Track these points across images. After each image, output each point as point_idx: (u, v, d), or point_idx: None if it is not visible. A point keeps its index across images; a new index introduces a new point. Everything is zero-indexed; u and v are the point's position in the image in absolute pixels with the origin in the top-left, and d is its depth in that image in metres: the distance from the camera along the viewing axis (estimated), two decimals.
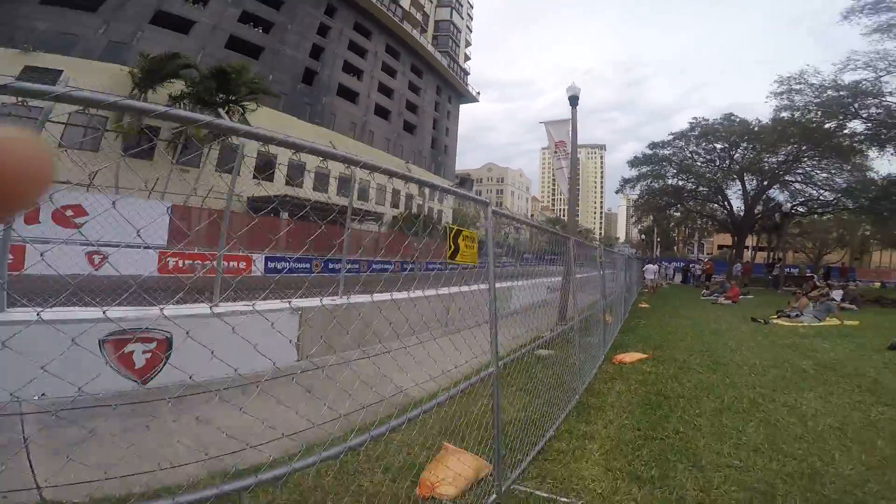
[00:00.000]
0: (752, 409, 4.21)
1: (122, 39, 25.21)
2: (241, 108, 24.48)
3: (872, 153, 21.04)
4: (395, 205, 40.60)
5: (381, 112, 44.08)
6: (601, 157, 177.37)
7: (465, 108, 62.39)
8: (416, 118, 49.53)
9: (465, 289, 5.83)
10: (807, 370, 5.65)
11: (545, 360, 4.28)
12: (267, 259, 16.55)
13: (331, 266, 18.16)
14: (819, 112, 19.28)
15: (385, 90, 44.91)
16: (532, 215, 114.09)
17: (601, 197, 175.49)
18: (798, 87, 19.07)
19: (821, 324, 9.50)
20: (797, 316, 9.91)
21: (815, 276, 22.58)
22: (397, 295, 2.97)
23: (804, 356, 6.42)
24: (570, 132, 10.02)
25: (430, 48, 50.38)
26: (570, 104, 10.04)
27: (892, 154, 19.18)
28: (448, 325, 6.89)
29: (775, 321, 9.80)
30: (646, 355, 6.33)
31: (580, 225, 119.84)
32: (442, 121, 54.78)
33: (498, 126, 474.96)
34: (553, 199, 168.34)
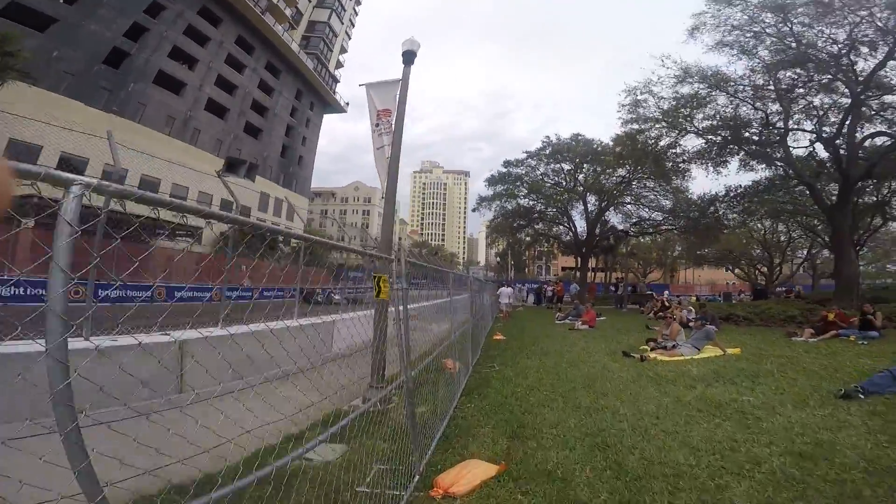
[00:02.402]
0: None
1: None
2: None
3: (697, 171, 22.90)
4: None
5: (216, 109, 37.27)
6: (465, 183, 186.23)
7: (342, 128, 57.82)
8: (264, 121, 43.46)
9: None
10: (782, 468, 3.21)
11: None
12: None
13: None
14: (660, 125, 20.14)
15: (225, 85, 38.32)
16: (400, 238, 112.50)
17: (464, 222, 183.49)
18: (642, 97, 19.68)
19: (703, 355, 7.93)
20: (673, 347, 8.25)
21: (653, 293, 23.86)
22: None
23: (745, 429, 4.10)
24: (399, 96, 7.02)
25: (294, 48, 45.03)
26: (404, 62, 7.10)
27: (713, 172, 20.84)
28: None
29: (651, 355, 7.96)
30: (496, 467, 3.34)
31: (444, 249, 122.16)
32: (298, 128, 49.31)
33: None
34: (422, 224, 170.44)
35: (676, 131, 20.78)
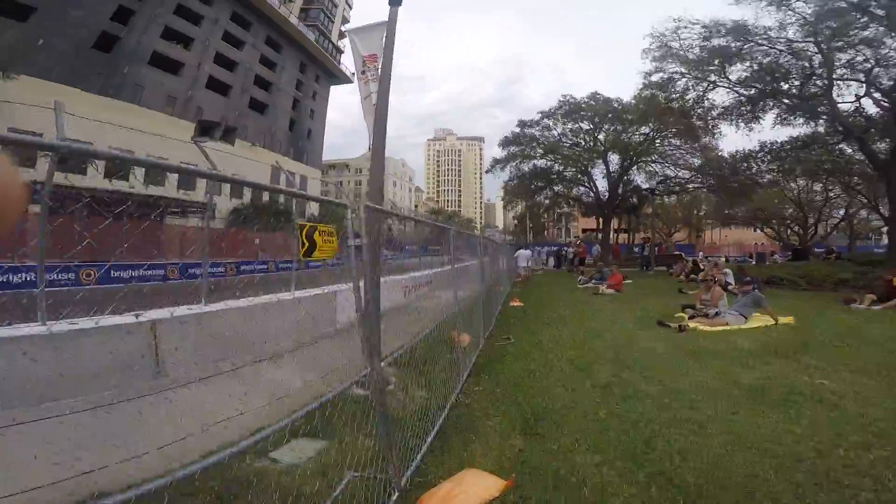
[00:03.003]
0: None
1: None
2: None
3: (726, 129, 21.11)
4: (237, 194, 33.58)
5: (217, 86, 36.27)
6: (480, 149, 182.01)
7: (353, 99, 55.97)
8: (269, 96, 42.28)
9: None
10: None
11: None
12: None
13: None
14: (687, 77, 18.33)
15: (225, 62, 37.15)
16: (416, 206, 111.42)
17: (481, 188, 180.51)
18: (672, 42, 17.79)
19: (750, 324, 6.92)
20: (716, 315, 7.23)
21: (682, 254, 22.52)
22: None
23: (836, 425, 3.17)
24: (386, 40, 5.96)
25: (293, 20, 43.16)
26: (390, 2, 5.99)
27: (745, 128, 19.05)
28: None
29: (690, 324, 6.98)
30: (502, 483, 2.53)
31: (461, 215, 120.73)
32: (305, 101, 47.94)
33: (388, 119, 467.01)
34: (438, 191, 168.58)
35: (705, 84, 18.90)
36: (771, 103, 18.11)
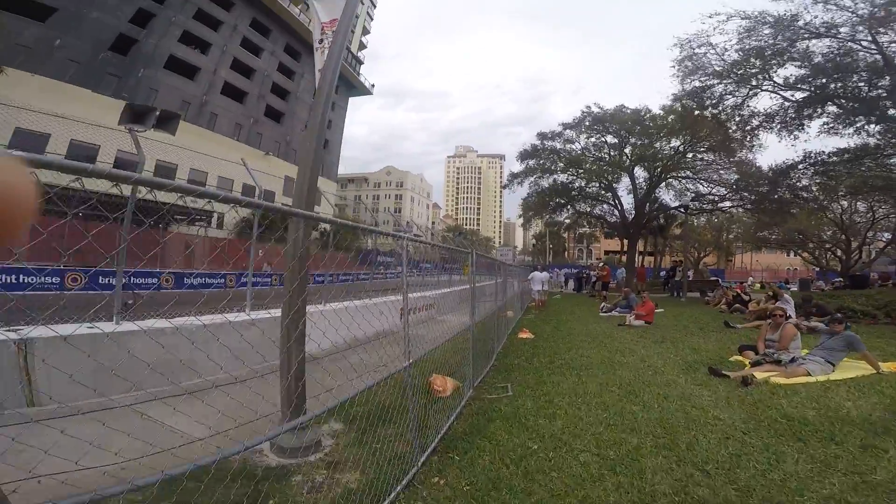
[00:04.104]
0: None
1: None
2: None
3: (767, 138, 19.03)
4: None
5: (233, 93, 35.92)
6: (500, 167, 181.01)
7: (380, 116, 55.81)
8: (286, 105, 41.91)
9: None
10: None
11: None
12: None
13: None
14: (727, 81, 16.46)
15: (242, 69, 36.92)
16: (433, 223, 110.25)
17: (500, 206, 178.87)
18: (700, 49, 16.05)
19: (841, 374, 5.00)
20: (792, 361, 5.32)
21: (718, 280, 20.29)
22: None
23: None
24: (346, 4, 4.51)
25: (313, 29, 42.95)
26: None
27: (788, 137, 16.97)
28: None
29: (756, 374, 5.09)
30: None
31: (479, 234, 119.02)
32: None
33: (413, 135, 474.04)
34: (457, 208, 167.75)
35: (747, 88, 16.98)
36: (819, 109, 16.05)
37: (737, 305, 11.85)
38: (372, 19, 56.18)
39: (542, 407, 4.32)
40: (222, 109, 34.54)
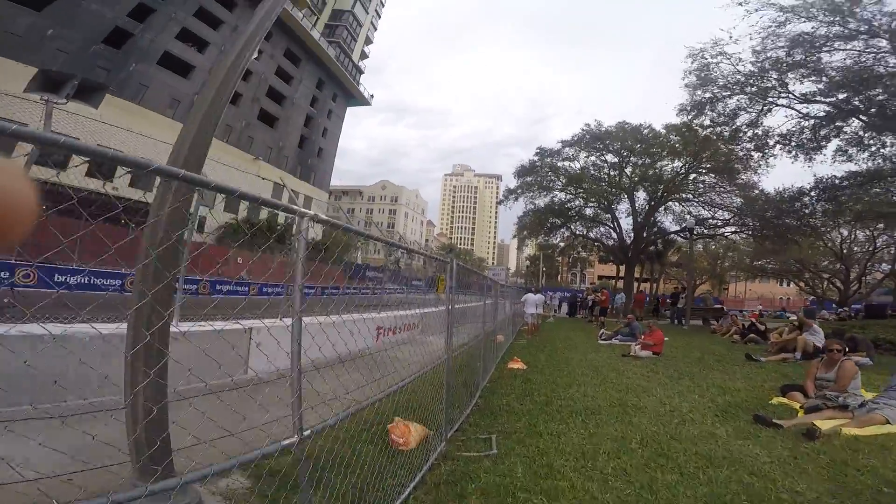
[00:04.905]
0: None
1: None
2: None
3: (779, 161, 18.19)
4: (231, 209, 31.44)
5: None
6: (497, 187, 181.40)
7: (380, 131, 55.19)
8: (281, 110, 40.98)
9: None
10: None
11: None
12: None
13: None
14: (742, 95, 15.68)
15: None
16: (426, 240, 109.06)
17: (495, 227, 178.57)
18: (714, 59, 15.29)
19: None
20: (863, 407, 4.11)
21: (723, 307, 19.22)
22: None
23: None
24: None
25: (314, 34, 42.52)
26: None
27: (804, 159, 16.11)
28: None
29: (814, 422, 3.89)
30: None
31: (473, 254, 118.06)
32: (319, 119, 46.66)
33: (412, 152, 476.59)
34: (451, 227, 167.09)
35: (761, 104, 16.21)
36: (836, 130, 15.21)
37: (752, 335, 10.69)
38: (376, 29, 56.08)
39: (537, 475, 3.06)
40: None
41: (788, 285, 52.08)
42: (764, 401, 5.06)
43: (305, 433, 1.72)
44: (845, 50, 13.21)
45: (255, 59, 37.57)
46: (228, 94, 2.79)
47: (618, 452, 3.52)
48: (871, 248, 30.60)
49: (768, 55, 14.08)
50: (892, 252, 29.86)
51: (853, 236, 31.00)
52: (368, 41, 54.31)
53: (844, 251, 31.28)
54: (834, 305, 31.27)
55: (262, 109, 38.46)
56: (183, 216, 2.42)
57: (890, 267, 31.41)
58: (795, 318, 9.29)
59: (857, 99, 13.60)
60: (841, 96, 13.88)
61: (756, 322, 11.26)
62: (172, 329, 4.66)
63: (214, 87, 2.69)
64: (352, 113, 53.54)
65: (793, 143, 16.33)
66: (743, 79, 15.10)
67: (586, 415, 4.44)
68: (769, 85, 14.71)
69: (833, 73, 13.58)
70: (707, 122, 17.68)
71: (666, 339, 10.59)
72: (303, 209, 1.75)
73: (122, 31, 27.41)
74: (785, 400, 4.90)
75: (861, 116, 14.15)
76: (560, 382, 5.88)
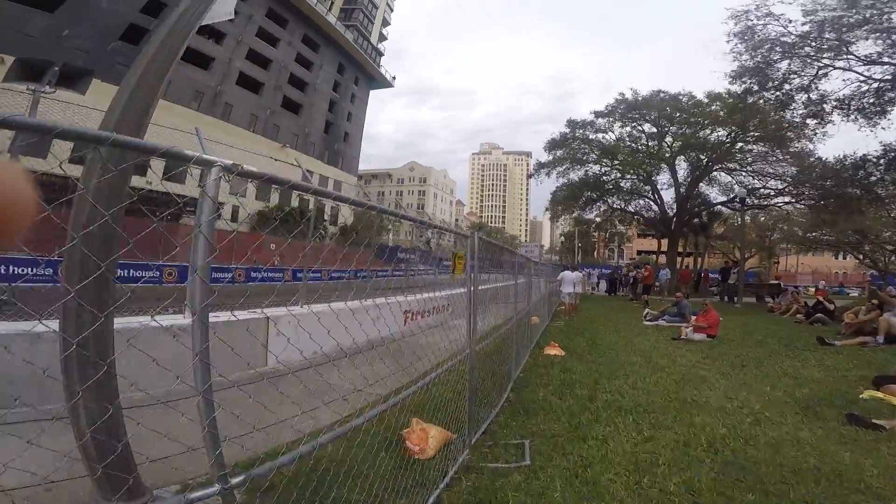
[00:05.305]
0: None
1: None
2: None
3: (839, 127, 16.42)
4: (264, 197, 31.80)
5: (249, 84, 35.06)
6: (527, 164, 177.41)
7: (405, 114, 54.50)
8: (305, 97, 40.84)
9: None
10: None
11: None
12: None
13: None
14: (790, 61, 14.08)
15: (258, 59, 35.99)
16: (456, 220, 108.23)
17: (527, 204, 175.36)
18: (760, 21, 13.71)
19: None
20: None
21: (780, 283, 17.80)
22: None
23: None
24: None
25: (331, 19, 41.91)
26: None
27: (867, 125, 14.40)
28: None
29: None
30: None
31: (504, 232, 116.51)
32: (342, 103, 46.35)
33: (437, 133, 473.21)
34: (482, 206, 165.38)
35: (816, 67, 14.46)
36: None
37: (819, 315, 9.56)
38: (392, 10, 54.76)
39: (580, 496, 2.48)
40: (237, 100, 33.75)
41: (845, 258, 48.34)
42: (852, 395, 4.25)
43: (235, 479, 1.19)
44: None
45: (231, 21, 37.25)
46: (173, 54, 2.24)
47: (680, 463, 2.89)
48: None
49: (824, 14, 12.40)
50: None
51: None
52: (386, 23, 53.12)
53: None
54: None
55: (285, 97, 38.42)
56: (120, 191, 1.92)
57: None
58: (868, 293, 8.12)
59: None
60: None
61: (824, 300, 10.06)
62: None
63: (154, 45, 2.15)
64: (376, 97, 52.99)
65: (852, 108, 14.56)
66: (796, 40, 13.42)
67: (638, 413, 3.79)
68: (825, 46, 13.01)
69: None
70: (755, 88, 15.99)
71: (720, 319, 9.66)
72: (211, 157, 1.18)
73: (137, 28, 27.68)
74: (880, 394, 4.08)
75: None
76: (604, 372, 5.22)
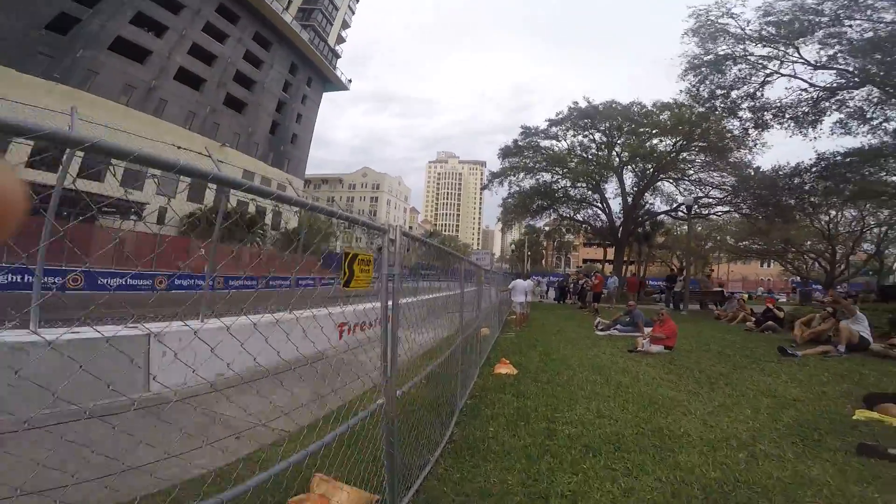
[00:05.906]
0: None
1: None
2: None
3: (773, 136, 17.11)
4: (197, 198, 29.34)
5: (189, 79, 32.48)
6: (481, 174, 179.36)
7: (363, 121, 52.40)
8: (251, 95, 38.48)
9: None
10: None
11: None
12: None
13: None
14: (739, 67, 14.44)
15: (202, 54, 33.49)
16: (410, 227, 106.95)
17: (479, 213, 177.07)
18: (720, 20, 13.96)
19: None
20: None
21: (724, 289, 18.23)
22: None
23: None
24: None
25: (287, 18, 39.85)
26: None
27: (800, 132, 15.03)
28: None
29: None
30: None
31: (458, 240, 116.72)
32: (293, 104, 44.13)
33: (396, 141, 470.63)
34: (436, 214, 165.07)
35: (764, 74, 14.96)
36: (839, 101, 14.12)
37: (769, 323, 9.48)
38: (354, 13, 53.36)
39: None
40: (174, 96, 31.10)
41: (769, 266, 51.79)
42: (843, 415, 3.75)
43: None
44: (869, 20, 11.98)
45: (221, 43, 35.01)
46: None
47: None
48: (860, 228, 29.96)
49: (780, 18, 12.81)
50: (878, 233, 29.24)
51: (841, 216, 30.32)
52: (346, 25, 51.67)
53: (831, 231, 30.65)
54: (820, 286, 30.72)
55: (228, 94, 36.00)
56: None
57: (875, 248, 30.92)
58: (831, 299, 8.00)
59: (876, 66, 12.37)
60: (859, 63, 12.63)
61: (773, 308, 10.04)
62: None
63: None
64: (334, 102, 51.23)
65: (787, 116, 15.20)
66: (753, 39, 13.78)
67: (608, 453, 3.03)
68: (778, 51, 13.46)
69: (855, 38, 12.31)
70: (705, 94, 16.36)
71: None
72: None
73: (68, 17, 24.97)
74: (875, 414, 3.59)
75: (882, 87, 12.92)
76: (562, 396, 4.47)
